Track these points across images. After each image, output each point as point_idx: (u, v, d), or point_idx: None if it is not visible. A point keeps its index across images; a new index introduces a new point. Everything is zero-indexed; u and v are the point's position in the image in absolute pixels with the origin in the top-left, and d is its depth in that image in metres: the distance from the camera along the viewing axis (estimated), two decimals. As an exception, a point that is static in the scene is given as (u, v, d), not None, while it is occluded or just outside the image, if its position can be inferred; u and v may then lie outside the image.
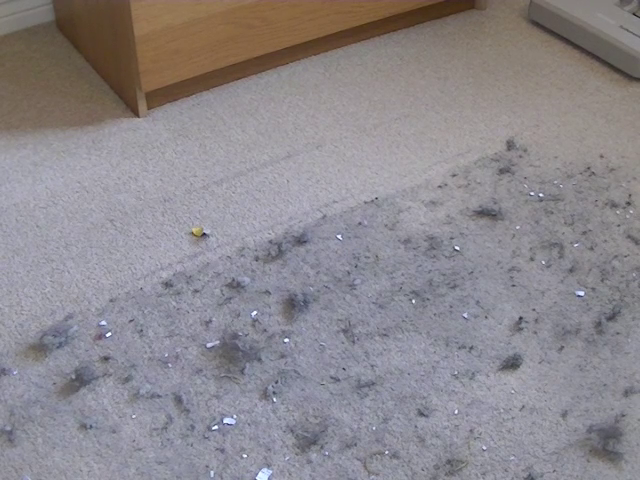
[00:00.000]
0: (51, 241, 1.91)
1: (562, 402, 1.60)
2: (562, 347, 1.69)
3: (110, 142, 2.17)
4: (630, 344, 1.70)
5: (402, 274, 1.83)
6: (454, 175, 2.08)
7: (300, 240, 1.90)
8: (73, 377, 1.61)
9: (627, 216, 1.97)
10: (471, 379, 1.64)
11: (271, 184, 2.06)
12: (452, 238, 1.91)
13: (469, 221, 1.96)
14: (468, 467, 1.50)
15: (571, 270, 1.85)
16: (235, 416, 1.57)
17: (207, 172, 2.09)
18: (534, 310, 1.76)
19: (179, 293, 1.78)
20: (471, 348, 1.69)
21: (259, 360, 1.65)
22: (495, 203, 2.00)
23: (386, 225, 1.94)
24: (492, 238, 1.92)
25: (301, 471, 1.49)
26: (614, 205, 2.00)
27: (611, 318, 1.74)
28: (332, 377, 1.64)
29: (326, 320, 1.74)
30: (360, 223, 1.94)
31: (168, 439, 1.53)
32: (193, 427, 1.55)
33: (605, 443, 1.53)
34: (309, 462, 1.50)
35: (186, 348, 1.68)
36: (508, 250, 1.89)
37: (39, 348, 1.68)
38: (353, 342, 1.70)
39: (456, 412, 1.58)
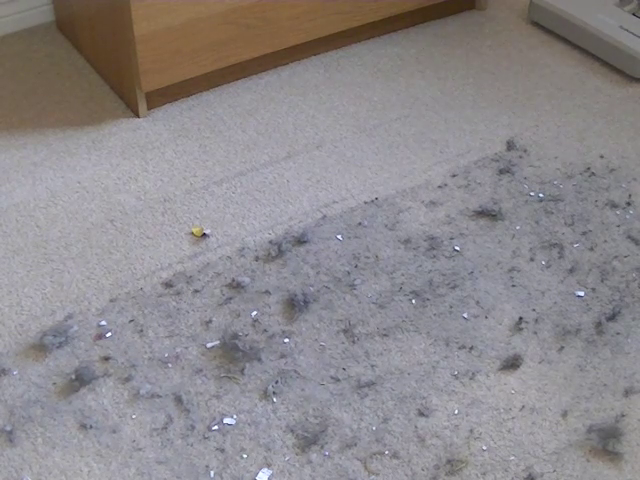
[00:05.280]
0: (51, 241, 1.91)
1: (562, 402, 1.60)
2: (562, 347, 1.69)
3: (110, 142, 2.17)
4: (630, 344, 1.70)
5: (402, 274, 1.83)
6: (454, 175, 2.08)
7: (300, 240, 1.90)
8: (73, 377, 1.61)
9: (627, 216, 1.97)
10: (471, 379, 1.64)
11: (271, 184, 2.06)
12: (452, 238, 1.91)
13: (469, 221, 1.96)
14: (468, 467, 1.50)
15: (571, 270, 1.85)
16: (235, 416, 1.57)
17: (207, 172, 2.09)
18: (534, 310, 1.76)
19: (179, 293, 1.78)
20: (471, 348, 1.69)
21: (259, 360, 1.65)
22: (495, 203, 2.00)
23: (386, 225, 1.94)
24: (492, 238, 1.92)
25: (301, 471, 1.49)
26: (614, 205, 2.00)
27: (611, 318, 1.74)
28: (332, 377, 1.64)
29: (326, 320, 1.74)
30: (360, 223, 1.94)
31: (168, 439, 1.53)
32: (193, 427, 1.55)
33: (605, 443, 1.53)
34: (309, 462, 1.50)
35: (186, 348, 1.68)
36: (508, 250, 1.89)
37: (39, 348, 1.68)
38: (353, 342, 1.70)
39: (456, 412, 1.58)
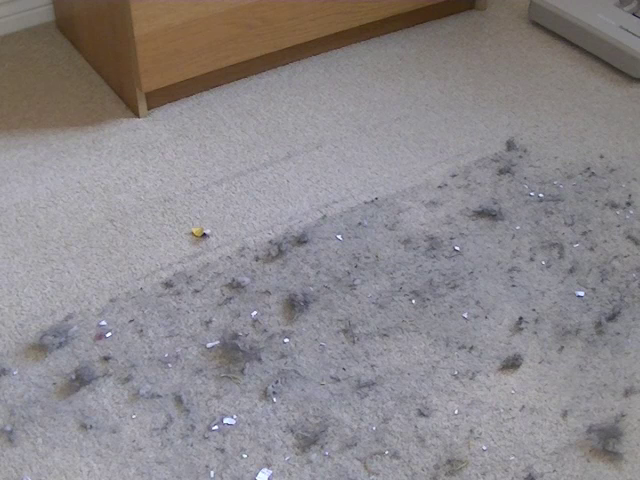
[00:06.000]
0: (51, 241, 1.91)
1: (562, 402, 1.60)
2: (562, 347, 1.69)
3: (110, 142, 2.17)
4: (630, 344, 1.70)
5: (402, 274, 1.83)
6: (454, 175, 2.08)
7: (300, 240, 1.90)
8: (73, 377, 1.61)
9: (627, 216, 1.97)
10: (471, 379, 1.64)
11: (271, 184, 2.06)
12: (452, 238, 1.91)
13: (469, 221, 1.96)
14: (468, 467, 1.50)
15: (571, 270, 1.85)
16: (235, 416, 1.57)
17: (207, 172, 2.09)
18: (534, 310, 1.76)
19: (179, 293, 1.78)
20: (471, 348, 1.69)
21: (259, 360, 1.65)
22: (495, 203, 2.00)
23: (386, 225, 1.94)
24: (492, 238, 1.92)
25: (301, 471, 1.49)
26: (614, 205, 2.00)
27: (611, 318, 1.74)
28: (332, 377, 1.64)
29: (326, 320, 1.74)
30: (360, 223, 1.94)
31: (168, 439, 1.53)
32: (193, 427, 1.55)
33: (605, 443, 1.53)
34: (309, 462, 1.50)
35: (186, 348, 1.68)
36: (508, 250, 1.89)
37: (39, 348, 1.68)
38: (353, 342, 1.70)
39: (456, 412, 1.58)
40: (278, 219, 1.96)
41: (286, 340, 1.70)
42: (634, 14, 2.49)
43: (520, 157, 2.13)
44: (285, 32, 2.29)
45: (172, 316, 1.74)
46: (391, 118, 2.26)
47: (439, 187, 2.05)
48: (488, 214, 1.97)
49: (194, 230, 1.93)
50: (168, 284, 1.80)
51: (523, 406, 1.60)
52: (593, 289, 1.81)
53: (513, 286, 1.81)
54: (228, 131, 2.21)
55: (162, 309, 1.75)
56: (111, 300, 1.77)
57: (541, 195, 2.02)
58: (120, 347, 1.68)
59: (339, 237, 1.91)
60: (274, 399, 1.60)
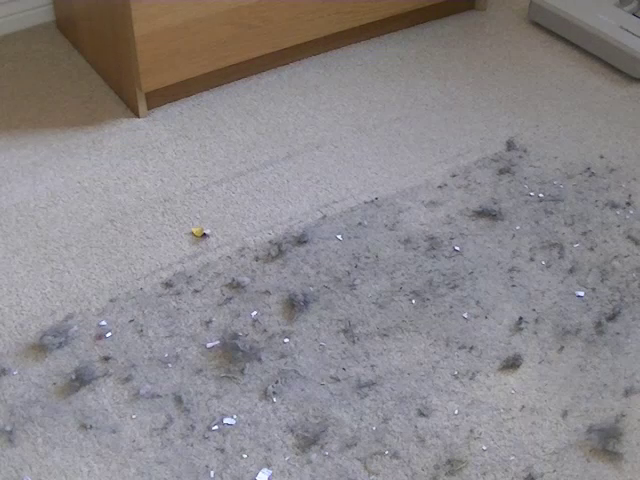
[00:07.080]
0: (51, 241, 1.91)
1: (562, 402, 1.60)
2: (562, 347, 1.70)
3: (110, 142, 2.17)
4: (630, 344, 1.70)
5: (402, 274, 1.83)
6: (454, 175, 2.08)
7: (300, 240, 1.90)
8: (73, 377, 1.61)
9: (627, 216, 1.97)
10: (471, 379, 1.64)
11: (271, 184, 2.06)
12: (452, 238, 1.91)
13: (469, 221, 1.96)
14: (468, 467, 1.50)
15: (571, 270, 1.85)
16: (235, 416, 1.57)
17: (207, 172, 2.09)
18: (534, 310, 1.76)
19: (179, 293, 1.78)
20: (471, 348, 1.69)
21: (259, 360, 1.65)
22: (495, 203, 2.00)
23: (386, 225, 1.94)
24: (492, 238, 1.92)
25: (301, 471, 1.49)
26: (614, 205, 2.00)
27: (611, 318, 1.74)
28: (332, 377, 1.64)
29: (326, 320, 1.74)
30: (360, 223, 1.94)
31: (168, 439, 1.53)
32: (193, 427, 1.55)
33: (605, 443, 1.53)
34: (309, 462, 1.50)
35: (186, 348, 1.68)
36: (508, 250, 1.89)
37: (39, 348, 1.68)
38: (353, 342, 1.70)
39: (456, 412, 1.58)
40: (278, 219, 1.96)
41: (286, 340, 1.70)
42: (634, 14, 2.49)
43: (520, 157, 2.13)
44: (285, 32, 2.29)
45: (172, 316, 1.74)
46: (391, 118, 2.26)
47: (439, 187, 2.05)
48: (488, 214, 1.97)
49: (194, 230, 1.93)
50: (168, 284, 1.80)
51: (523, 406, 1.60)
52: (593, 289, 1.81)
53: (513, 286, 1.81)
54: (228, 131, 2.21)
55: (162, 309, 1.75)
56: (111, 300, 1.77)
57: (541, 195, 2.02)
58: (120, 347, 1.68)
59: (339, 237, 1.91)
60: (274, 399, 1.60)
